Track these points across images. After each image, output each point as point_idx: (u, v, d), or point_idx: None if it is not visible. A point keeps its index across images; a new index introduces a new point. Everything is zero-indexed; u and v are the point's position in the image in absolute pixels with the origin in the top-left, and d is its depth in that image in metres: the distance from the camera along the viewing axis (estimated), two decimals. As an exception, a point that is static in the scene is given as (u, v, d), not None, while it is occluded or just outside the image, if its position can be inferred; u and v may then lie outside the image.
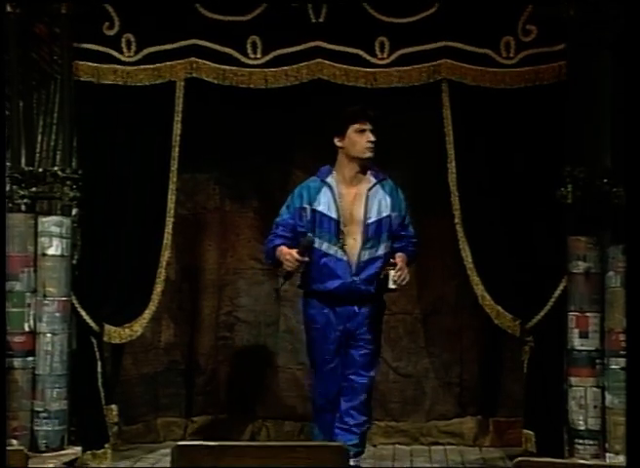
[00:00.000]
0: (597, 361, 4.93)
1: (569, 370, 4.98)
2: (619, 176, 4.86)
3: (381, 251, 4.66)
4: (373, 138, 4.68)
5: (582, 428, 4.91)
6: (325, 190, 4.71)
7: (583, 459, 4.73)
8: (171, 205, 5.27)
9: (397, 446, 5.75)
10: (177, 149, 5.24)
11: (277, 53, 5.21)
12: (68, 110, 5.20)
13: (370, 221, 4.66)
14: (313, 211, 4.67)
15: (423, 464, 5.32)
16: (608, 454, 4.85)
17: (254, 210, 6.03)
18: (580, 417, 4.91)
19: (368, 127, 4.69)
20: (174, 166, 5.25)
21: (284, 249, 4.63)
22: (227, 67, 5.23)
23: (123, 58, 5.25)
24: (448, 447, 5.73)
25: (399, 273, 4.56)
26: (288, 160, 5.94)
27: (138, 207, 5.29)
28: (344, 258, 4.64)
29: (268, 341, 6.02)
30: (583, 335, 4.94)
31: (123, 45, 5.24)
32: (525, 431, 5.13)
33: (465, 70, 5.14)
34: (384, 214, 4.69)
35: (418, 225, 5.83)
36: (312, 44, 5.19)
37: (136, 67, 5.23)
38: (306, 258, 4.58)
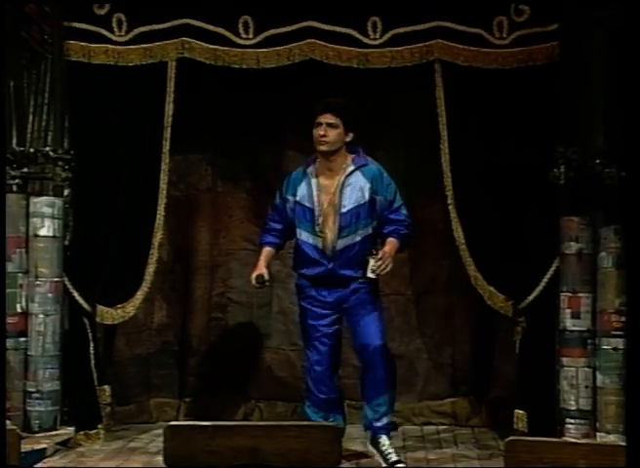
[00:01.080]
0: (589, 341, 4.95)
1: (561, 351, 5.00)
2: (611, 157, 4.86)
3: (359, 237, 4.73)
4: (322, 132, 4.70)
5: (574, 408, 4.94)
6: (305, 180, 4.81)
7: (575, 439, 4.75)
8: (163, 186, 5.26)
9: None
10: (169, 130, 5.22)
11: (269, 33, 5.18)
12: (59, 90, 5.17)
13: (344, 210, 4.72)
14: (295, 201, 4.80)
15: (416, 444, 5.34)
16: (599, 434, 4.88)
17: (246, 190, 6.01)
18: (572, 397, 4.94)
19: (325, 120, 4.72)
20: (166, 147, 5.24)
21: (260, 261, 4.86)
22: (219, 47, 5.20)
23: (114, 38, 5.22)
24: (440, 427, 5.75)
25: (379, 263, 4.62)
26: (280, 141, 5.92)
27: (130, 187, 5.27)
28: (320, 246, 4.74)
29: (261, 322, 6.03)
30: (575, 316, 4.95)
31: (114, 24, 5.21)
32: (517, 411, 5.15)
33: (458, 51, 5.12)
34: (362, 202, 4.73)
35: (410, 207, 5.81)
36: (304, 24, 5.17)
37: (127, 47, 5.21)
38: (259, 286, 4.85)
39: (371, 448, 4.84)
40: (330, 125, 4.71)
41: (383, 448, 4.76)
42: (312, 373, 4.85)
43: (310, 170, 4.82)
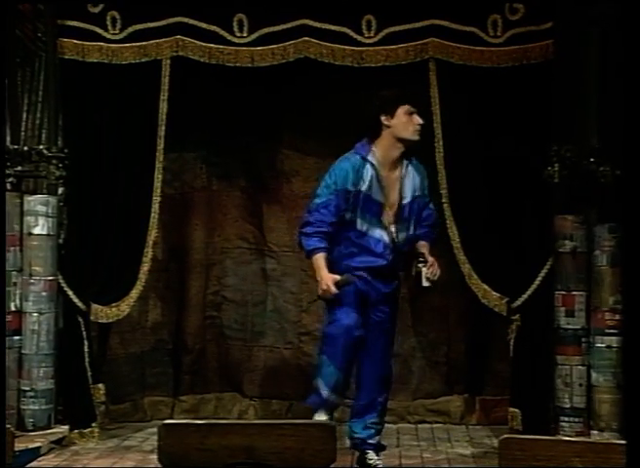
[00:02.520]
0: (583, 339, 4.96)
1: (555, 349, 5.01)
2: (605, 156, 4.87)
3: (411, 231, 4.64)
4: (421, 121, 4.60)
5: (568, 406, 4.94)
6: (368, 169, 4.59)
7: (569, 436, 4.76)
8: (157, 184, 5.26)
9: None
10: (163, 128, 5.22)
11: (264, 31, 5.18)
12: (53, 88, 5.17)
13: (405, 202, 4.62)
14: (358, 192, 4.56)
15: (410, 442, 5.34)
16: (593, 432, 4.89)
17: (241, 189, 6.01)
18: (566, 395, 4.95)
19: (415, 110, 4.61)
20: (160, 145, 5.23)
21: (323, 270, 4.48)
22: (213, 46, 5.20)
23: (108, 36, 5.22)
24: (435, 425, 5.76)
25: (431, 270, 4.52)
26: (275, 139, 5.92)
27: (124, 186, 5.26)
28: (387, 240, 4.59)
29: (256, 321, 6.02)
30: (570, 314, 4.96)
31: (108, 22, 5.21)
32: (511, 409, 5.16)
33: (453, 49, 5.12)
34: (416, 194, 4.65)
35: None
36: (299, 22, 5.16)
37: (121, 45, 5.20)
38: (339, 291, 4.49)
39: None
40: (418, 114, 4.61)
41: (371, 461, 4.63)
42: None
43: (371, 159, 4.62)
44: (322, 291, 4.51)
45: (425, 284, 4.54)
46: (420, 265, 4.52)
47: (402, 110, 4.58)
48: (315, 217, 4.54)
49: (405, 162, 4.65)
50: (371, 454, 4.66)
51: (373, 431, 4.66)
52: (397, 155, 4.61)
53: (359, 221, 4.57)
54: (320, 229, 4.53)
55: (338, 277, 4.49)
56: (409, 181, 4.64)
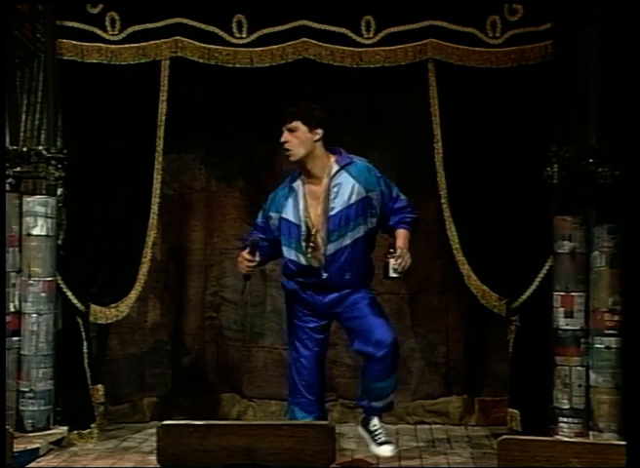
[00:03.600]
0: (582, 340, 4.96)
1: (554, 350, 5.01)
2: (604, 156, 4.87)
3: (348, 240, 4.56)
4: (282, 139, 4.57)
5: (567, 407, 4.95)
6: (292, 196, 4.62)
7: (568, 437, 4.76)
8: (157, 185, 5.26)
9: (383, 424, 5.76)
10: (162, 129, 5.22)
11: (263, 32, 5.18)
12: (52, 89, 5.17)
13: (332, 213, 4.54)
14: (280, 218, 4.62)
15: (409, 443, 5.35)
16: (592, 432, 4.89)
17: (240, 190, 6.01)
18: (565, 396, 4.95)
19: (285, 128, 4.58)
20: (159, 146, 5.23)
21: (240, 253, 4.61)
22: (212, 46, 5.20)
23: (107, 37, 5.22)
24: (434, 426, 5.75)
25: (399, 261, 4.48)
26: (274, 140, 5.88)
27: (123, 186, 5.26)
28: (308, 263, 4.58)
29: (255, 321, 6.02)
30: (568, 315, 4.96)
31: (107, 23, 5.21)
32: (510, 410, 5.16)
33: (451, 50, 5.12)
34: (353, 200, 4.54)
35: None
36: (298, 23, 5.16)
37: (120, 46, 5.20)
38: (257, 258, 4.54)
39: (360, 431, 4.71)
40: (290, 131, 4.56)
41: (374, 427, 4.64)
42: (301, 375, 4.69)
43: (296, 184, 4.63)
44: (240, 267, 4.57)
45: (392, 275, 4.51)
46: (388, 256, 4.50)
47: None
48: (244, 242, 4.65)
49: (335, 170, 4.58)
50: (375, 420, 4.67)
51: (383, 394, 4.62)
52: (306, 173, 4.59)
53: (284, 248, 4.61)
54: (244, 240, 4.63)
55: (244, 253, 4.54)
56: (337, 190, 4.55)
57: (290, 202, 4.62)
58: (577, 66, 4.98)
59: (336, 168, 4.60)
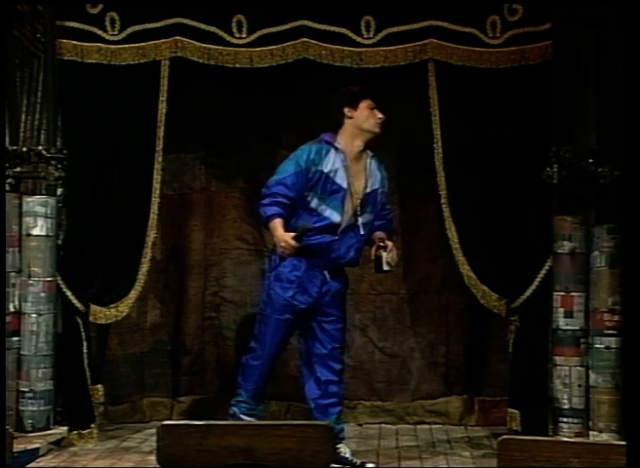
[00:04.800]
0: (582, 340, 4.96)
1: (554, 350, 5.01)
2: (604, 156, 4.87)
3: (365, 220, 4.78)
4: (381, 115, 4.81)
5: (567, 407, 4.95)
6: (332, 153, 4.77)
7: (568, 437, 4.76)
8: (156, 185, 5.26)
9: (383, 425, 5.78)
10: (162, 129, 5.22)
11: (263, 32, 5.18)
12: (52, 89, 5.16)
13: (368, 191, 4.80)
14: (320, 172, 4.73)
15: (409, 443, 5.35)
16: (592, 432, 4.89)
17: (240, 190, 6.01)
18: (565, 396, 4.95)
19: (376, 106, 4.82)
20: (159, 146, 5.23)
21: (279, 230, 4.66)
22: (212, 46, 5.20)
23: (107, 37, 5.22)
24: (434, 426, 5.76)
25: (391, 254, 4.65)
26: (274, 140, 5.92)
27: (123, 186, 5.26)
28: (338, 221, 4.73)
29: (254, 321, 6.00)
30: (568, 315, 4.96)
31: (107, 23, 5.21)
32: (510, 410, 5.16)
33: (451, 50, 5.13)
34: (375, 187, 4.85)
35: (403, 206, 5.87)
36: (298, 23, 5.16)
37: (120, 46, 5.20)
38: (301, 244, 4.64)
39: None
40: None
41: (346, 455, 4.74)
42: (258, 367, 4.82)
43: (337, 145, 4.80)
44: (282, 248, 4.66)
45: (386, 268, 4.67)
46: (380, 250, 4.65)
47: (364, 104, 4.80)
48: (272, 190, 4.73)
49: (369, 154, 4.86)
50: (343, 447, 4.76)
51: (339, 427, 4.74)
52: (359, 146, 4.81)
53: (315, 201, 4.72)
54: (277, 199, 4.70)
55: (293, 234, 4.63)
56: (372, 173, 4.84)
57: (333, 160, 4.75)
58: (577, 66, 4.98)
59: (369, 152, 4.89)
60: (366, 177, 4.82)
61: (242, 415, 4.82)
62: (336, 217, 4.73)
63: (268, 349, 4.78)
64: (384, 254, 4.62)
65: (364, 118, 4.79)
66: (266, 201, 4.73)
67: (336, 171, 4.74)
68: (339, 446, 4.70)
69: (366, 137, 4.82)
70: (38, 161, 5.16)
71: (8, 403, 4.98)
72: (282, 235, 4.66)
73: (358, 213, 4.76)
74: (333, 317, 4.79)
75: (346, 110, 4.81)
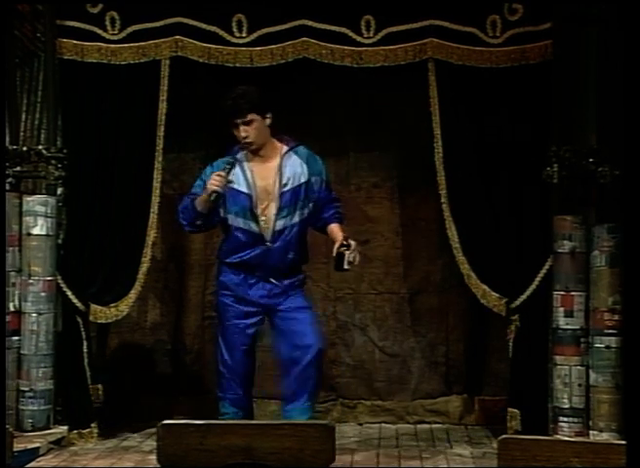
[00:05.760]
0: (582, 340, 4.96)
1: (554, 349, 5.01)
2: (604, 156, 4.87)
3: (297, 218, 4.75)
4: (243, 134, 4.71)
5: (567, 406, 4.94)
6: (238, 166, 4.77)
7: (568, 437, 4.76)
8: (157, 184, 5.25)
9: (383, 424, 5.78)
10: (162, 128, 5.21)
11: (263, 31, 5.17)
12: (52, 88, 5.16)
13: (285, 190, 4.73)
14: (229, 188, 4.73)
15: (409, 442, 5.34)
16: (592, 432, 4.89)
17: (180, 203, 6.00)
18: (565, 396, 4.95)
19: (239, 120, 4.71)
20: (159, 145, 5.23)
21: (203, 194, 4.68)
22: (213, 46, 5.19)
23: (107, 36, 5.21)
24: (434, 425, 5.75)
25: (353, 254, 4.58)
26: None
27: (123, 186, 5.26)
28: (257, 231, 4.72)
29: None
30: (568, 314, 4.96)
31: (107, 23, 5.21)
32: (510, 409, 5.16)
33: (452, 49, 5.12)
34: (302, 181, 4.77)
35: (404, 206, 5.87)
36: (298, 23, 5.16)
37: (120, 45, 5.20)
38: (231, 177, 4.67)
39: None
40: (246, 123, 4.72)
41: None
42: (225, 375, 4.84)
43: (240, 156, 4.80)
44: (211, 186, 4.63)
45: (346, 267, 4.60)
46: (342, 248, 4.58)
47: (232, 124, 4.75)
48: (181, 205, 4.82)
49: (285, 149, 4.79)
50: None
51: (309, 414, 4.75)
52: (256, 154, 4.77)
53: (230, 217, 4.75)
54: (188, 197, 4.78)
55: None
56: (289, 169, 4.76)
57: (237, 172, 4.75)
58: (577, 66, 4.98)
59: (285, 148, 4.81)
60: (280, 177, 4.74)
61: None
62: (253, 227, 4.72)
63: (229, 356, 4.81)
64: (347, 253, 4.56)
65: (238, 139, 4.75)
66: (182, 204, 4.82)
67: (240, 180, 4.73)
68: None
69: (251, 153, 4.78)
70: (38, 160, 5.16)
71: (8, 402, 4.98)
72: (211, 179, 4.64)
73: (283, 214, 4.71)
74: (292, 307, 4.77)
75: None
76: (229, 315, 4.82)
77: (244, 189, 4.75)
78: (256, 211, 4.72)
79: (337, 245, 4.62)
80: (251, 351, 4.92)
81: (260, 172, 4.78)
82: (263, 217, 4.73)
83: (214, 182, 4.65)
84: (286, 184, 4.74)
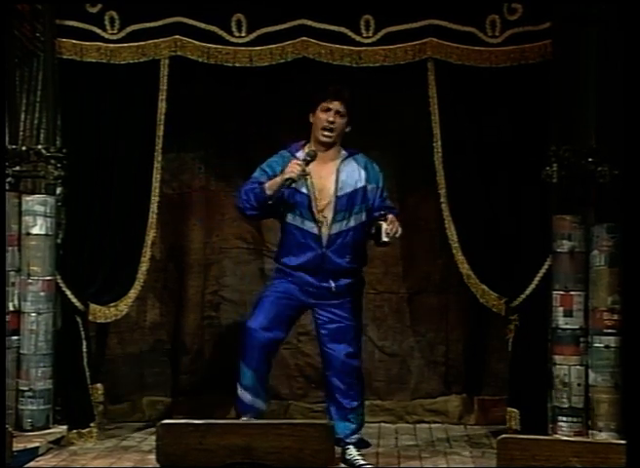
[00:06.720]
0: (581, 339, 4.96)
1: (553, 349, 5.01)
2: (603, 156, 4.88)
3: (352, 223, 4.71)
4: (331, 119, 4.67)
5: (566, 406, 4.95)
6: (315, 159, 4.71)
7: (567, 436, 4.76)
8: (156, 184, 5.25)
9: (382, 424, 5.78)
10: (161, 128, 5.21)
11: (262, 31, 5.17)
12: (52, 88, 5.16)
13: (340, 194, 4.70)
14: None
15: (409, 442, 5.35)
16: (591, 431, 4.89)
17: (239, 189, 6.00)
18: (564, 395, 4.95)
19: (335, 107, 4.69)
20: (159, 145, 5.23)
21: (278, 176, 4.62)
22: (212, 45, 5.19)
23: (106, 36, 5.21)
24: (433, 425, 5.76)
25: (391, 226, 4.56)
26: (273, 139, 5.91)
27: (122, 186, 5.26)
28: (315, 232, 4.68)
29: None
30: (568, 314, 4.96)
31: (106, 22, 5.20)
32: (509, 409, 5.16)
33: (451, 49, 5.12)
34: (359, 186, 4.74)
35: (403, 205, 5.87)
36: (297, 22, 5.16)
37: (119, 45, 5.19)
38: (309, 170, 4.62)
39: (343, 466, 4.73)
40: (338, 113, 4.70)
41: (350, 456, 4.72)
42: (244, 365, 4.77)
43: (300, 154, 4.75)
44: (291, 173, 4.57)
45: (385, 239, 4.57)
46: (380, 222, 4.57)
47: (320, 107, 4.71)
48: (245, 188, 4.71)
49: (345, 154, 4.76)
50: (351, 449, 4.74)
51: (350, 428, 4.72)
52: (323, 150, 4.71)
53: (288, 215, 4.71)
54: (254, 183, 4.69)
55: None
56: (346, 173, 4.73)
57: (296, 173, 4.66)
58: (576, 66, 4.97)
59: (345, 153, 4.79)
60: (337, 180, 4.70)
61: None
62: (310, 227, 4.68)
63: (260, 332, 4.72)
64: (384, 225, 4.54)
65: (316, 122, 4.73)
66: (244, 189, 4.70)
67: (300, 180, 4.67)
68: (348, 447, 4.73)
69: (320, 144, 4.72)
70: (37, 160, 5.16)
71: (7, 402, 4.98)
72: (289, 165, 4.59)
73: (339, 218, 4.69)
74: (337, 317, 4.73)
75: (310, 116, 4.78)
76: (276, 290, 4.73)
77: (303, 189, 4.69)
78: (314, 211, 4.68)
79: (373, 220, 4.61)
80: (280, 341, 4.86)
81: (318, 173, 4.71)
82: (321, 219, 4.68)
83: (292, 169, 4.58)
84: (342, 188, 4.69)
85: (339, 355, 4.70)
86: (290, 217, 4.71)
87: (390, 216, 4.59)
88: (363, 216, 4.74)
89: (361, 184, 4.74)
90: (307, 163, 4.64)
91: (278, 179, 4.63)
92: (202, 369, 5.97)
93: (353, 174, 4.75)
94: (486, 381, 5.82)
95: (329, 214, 4.69)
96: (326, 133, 4.70)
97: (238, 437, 2.80)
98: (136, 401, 5.85)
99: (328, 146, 4.74)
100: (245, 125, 5.86)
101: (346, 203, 4.70)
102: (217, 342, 6.00)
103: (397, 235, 4.60)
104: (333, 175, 4.73)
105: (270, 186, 4.64)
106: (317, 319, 4.78)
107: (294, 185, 4.64)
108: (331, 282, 4.72)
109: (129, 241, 5.26)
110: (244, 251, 6.02)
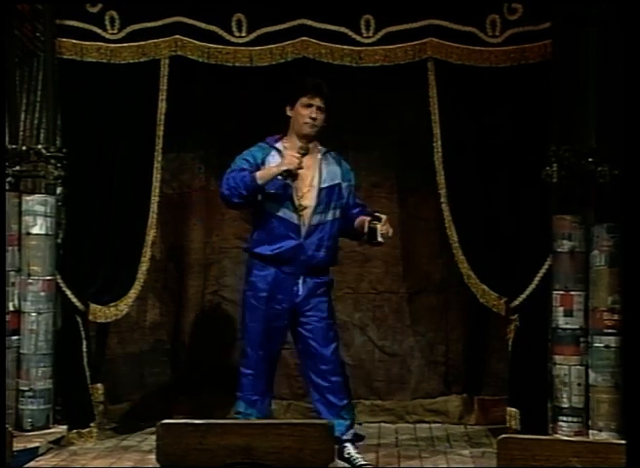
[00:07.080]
0: (581, 339, 4.96)
1: (553, 349, 5.01)
2: (604, 156, 4.88)
3: (330, 217, 4.71)
4: (314, 115, 4.66)
5: (566, 406, 4.95)
6: (274, 154, 4.71)
7: (567, 436, 4.76)
8: (156, 184, 5.25)
9: (382, 424, 5.78)
10: (161, 128, 5.21)
11: (262, 31, 5.18)
12: (52, 88, 5.17)
13: (324, 186, 4.70)
14: None
15: (409, 442, 5.35)
16: (591, 431, 4.89)
17: (222, 177, 6.00)
18: (564, 395, 4.95)
19: (316, 103, 4.67)
20: (159, 145, 5.23)
21: (272, 164, 4.61)
22: (212, 45, 5.20)
23: (107, 36, 5.22)
24: (433, 425, 5.76)
25: (385, 226, 4.58)
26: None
27: (123, 186, 5.26)
28: (295, 222, 4.66)
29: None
30: (568, 314, 4.97)
31: (107, 22, 5.21)
32: (509, 409, 5.16)
33: (451, 49, 5.13)
34: (336, 182, 4.75)
35: (403, 205, 5.87)
36: (297, 22, 5.17)
37: (119, 45, 5.20)
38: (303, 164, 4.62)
39: (340, 463, 4.72)
40: (319, 109, 4.69)
41: (349, 455, 4.71)
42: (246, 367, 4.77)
43: (279, 146, 4.74)
44: (290, 164, 4.56)
45: (380, 239, 4.59)
46: (374, 222, 4.59)
47: (300, 102, 4.67)
48: (230, 175, 4.63)
49: (322, 149, 4.77)
50: (348, 447, 4.73)
51: (347, 423, 4.72)
52: (305, 143, 4.68)
53: (269, 204, 4.66)
54: (241, 171, 4.62)
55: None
56: (327, 168, 4.74)
57: (275, 160, 4.67)
58: (576, 66, 4.98)
59: (323, 148, 4.80)
60: (320, 173, 4.71)
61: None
62: (290, 216, 4.65)
63: (256, 358, 4.73)
64: (379, 226, 4.57)
65: (296, 117, 4.68)
66: (230, 176, 4.63)
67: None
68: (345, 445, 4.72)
69: (299, 138, 4.69)
70: (38, 160, 5.16)
71: (7, 402, 4.98)
72: (285, 156, 4.59)
73: (319, 209, 4.68)
74: (315, 318, 4.72)
75: (287, 109, 4.73)
76: (257, 316, 4.70)
77: (286, 180, 4.66)
78: (295, 201, 4.67)
79: (367, 219, 4.62)
80: (274, 356, 4.82)
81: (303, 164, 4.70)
82: (302, 210, 4.68)
83: (290, 161, 4.57)
84: (325, 180, 4.72)
85: (326, 353, 4.69)
86: (269, 206, 4.67)
87: (384, 217, 4.61)
88: (337, 213, 4.73)
89: (338, 180, 4.76)
90: (303, 155, 4.65)
91: (273, 170, 4.60)
92: (202, 369, 5.97)
93: (334, 169, 4.77)
94: (486, 381, 5.82)
95: (310, 204, 4.67)
96: (307, 129, 4.68)
97: (238, 437, 2.80)
98: (136, 401, 5.84)
99: (310, 140, 4.73)
100: (245, 125, 5.85)
101: (326, 196, 4.70)
102: (217, 342, 6.00)
103: (389, 235, 4.64)
104: (316, 167, 4.72)
105: (262, 176, 4.60)
106: (298, 319, 4.73)
107: (282, 177, 4.61)
108: (301, 279, 4.68)
109: (129, 241, 5.27)
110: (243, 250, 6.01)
